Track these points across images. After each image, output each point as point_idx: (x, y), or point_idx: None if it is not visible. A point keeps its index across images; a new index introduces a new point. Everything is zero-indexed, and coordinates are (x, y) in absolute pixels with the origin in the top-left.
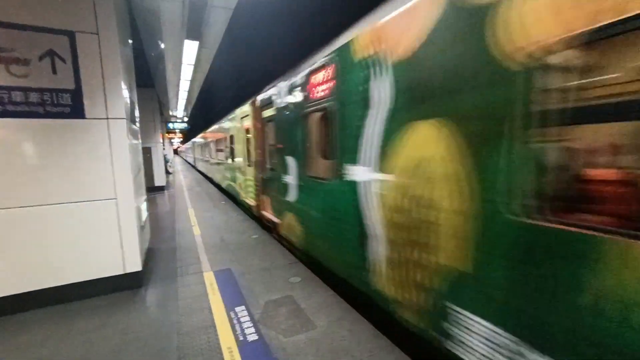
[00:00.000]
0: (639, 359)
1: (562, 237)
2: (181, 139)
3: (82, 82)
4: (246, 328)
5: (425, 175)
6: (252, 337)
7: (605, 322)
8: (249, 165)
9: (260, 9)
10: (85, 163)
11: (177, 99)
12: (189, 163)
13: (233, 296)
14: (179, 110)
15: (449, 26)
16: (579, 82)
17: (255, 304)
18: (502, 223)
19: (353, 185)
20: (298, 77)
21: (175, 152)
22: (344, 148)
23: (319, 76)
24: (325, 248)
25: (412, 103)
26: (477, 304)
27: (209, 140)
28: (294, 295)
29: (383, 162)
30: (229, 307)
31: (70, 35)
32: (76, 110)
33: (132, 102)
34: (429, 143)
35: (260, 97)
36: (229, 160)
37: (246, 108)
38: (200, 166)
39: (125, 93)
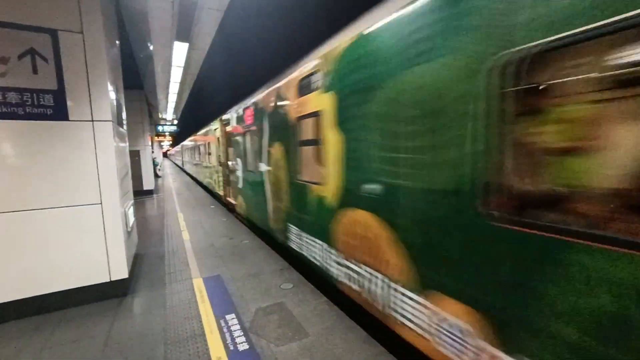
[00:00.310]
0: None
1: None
2: (170, 142)
3: (66, 82)
4: (237, 337)
5: (278, 165)
6: (243, 347)
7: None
8: (219, 165)
9: (252, 11)
10: (68, 167)
11: (167, 101)
12: (178, 166)
13: (223, 303)
14: (169, 112)
15: (277, 105)
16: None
17: (245, 312)
18: (292, 184)
19: (262, 173)
20: (240, 108)
21: (165, 155)
22: (259, 154)
23: (248, 111)
24: (255, 213)
25: (274, 133)
26: (293, 220)
27: (193, 145)
28: (286, 302)
29: (268, 161)
30: (219, 315)
31: (53, 34)
32: (59, 112)
33: (119, 104)
34: (278, 151)
35: (224, 117)
36: (207, 162)
37: (217, 123)
38: (187, 168)
39: (112, 95)
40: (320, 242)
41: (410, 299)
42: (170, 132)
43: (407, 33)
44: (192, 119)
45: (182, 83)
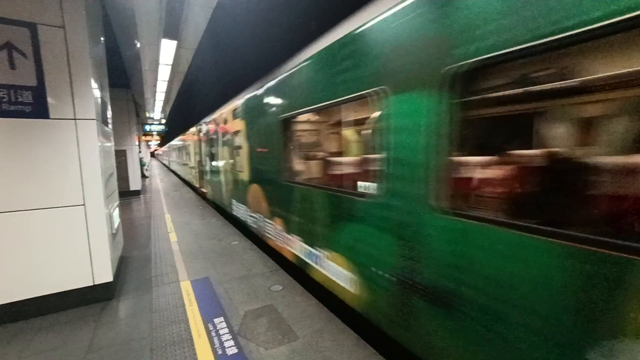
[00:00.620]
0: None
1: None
2: (158, 142)
3: (46, 79)
4: (225, 341)
5: (226, 162)
6: (232, 351)
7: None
8: (195, 163)
9: (243, 8)
10: (49, 167)
11: (155, 100)
12: (166, 166)
13: (211, 307)
14: (156, 112)
15: (223, 123)
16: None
17: (234, 315)
18: (232, 173)
19: (218, 168)
20: (207, 121)
21: (152, 155)
22: (216, 155)
23: (210, 124)
24: (216, 195)
25: (222, 141)
26: (234, 196)
27: (177, 146)
28: (275, 305)
29: (221, 159)
30: (207, 318)
31: (32, 28)
32: (39, 110)
33: (103, 102)
34: (225, 153)
35: (195, 127)
36: (189, 161)
37: (194, 129)
38: (172, 166)
39: (96, 92)
40: (243, 205)
41: (268, 223)
42: (158, 131)
43: (257, 100)
44: (180, 118)
45: (170, 81)
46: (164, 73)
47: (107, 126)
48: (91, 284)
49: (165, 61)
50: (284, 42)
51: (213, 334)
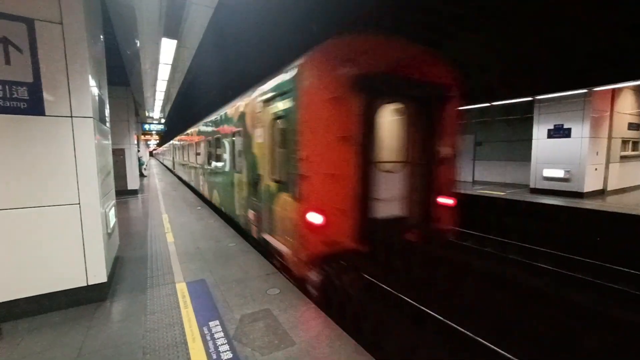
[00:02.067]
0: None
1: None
2: (157, 141)
3: (42, 75)
4: (220, 345)
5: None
6: (226, 356)
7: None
8: (186, 162)
9: (244, 6)
10: (44, 165)
11: (154, 99)
12: (165, 165)
13: (207, 310)
14: (156, 111)
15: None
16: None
17: (230, 318)
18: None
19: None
20: (194, 128)
21: (151, 154)
22: (208, 155)
23: (191, 132)
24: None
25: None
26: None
27: (171, 148)
28: (272, 309)
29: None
30: (202, 321)
31: (29, 23)
32: (34, 106)
33: (101, 100)
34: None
35: (188, 130)
36: (181, 160)
37: (184, 135)
38: (166, 162)
39: (94, 90)
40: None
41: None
42: (157, 130)
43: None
44: (180, 118)
45: (170, 81)
46: (163, 72)
47: (104, 124)
48: (84, 285)
49: (165, 60)
50: (285, 42)
51: (208, 337)
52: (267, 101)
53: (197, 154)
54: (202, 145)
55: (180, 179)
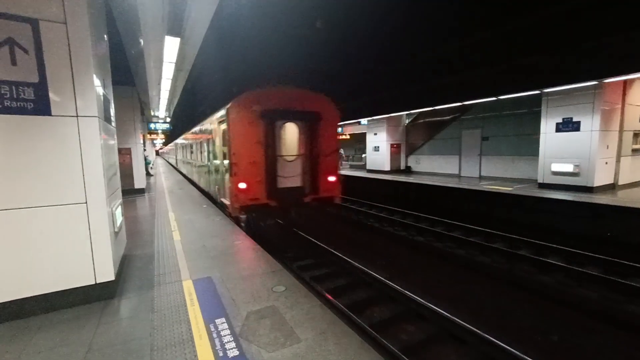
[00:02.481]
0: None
1: None
2: (163, 140)
3: (48, 75)
4: (226, 342)
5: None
6: (233, 353)
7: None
8: (184, 159)
9: (248, 2)
10: (50, 164)
11: (159, 98)
12: (171, 164)
13: (213, 307)
14: (161, 110)
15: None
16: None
17: (236, 316)
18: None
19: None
20: (187, 134)
21: (157, 153)
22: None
23: (185, 137)
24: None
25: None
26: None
27: (174, 147)
28: (278, 306)
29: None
30: (209, 319)
31: (34, 24)
32: (40, 106)
33: (106, 100)
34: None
35: (183, 135)
36: (181, 157)
37: (181, 139)
38: (171, 161)
39: (99, 90)
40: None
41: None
42: (162, 129)
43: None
44: (185, 116)
45: (175, 79)
46: (168, 71)
47: (110, 124)
48: (93, 283)
49: (168, 59)
50: (288, 40)
51: (214, 335)
52: (220, 122)
53: (191, 152)
54: (193, 146)
55: (180, 173)
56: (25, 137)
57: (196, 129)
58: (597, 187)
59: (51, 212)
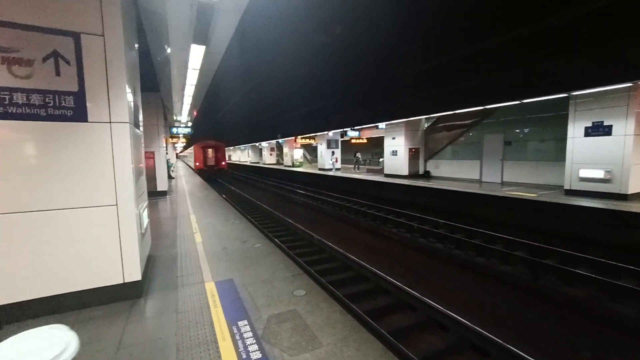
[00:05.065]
0: None
1: None
2: (184, 144)
3: (86, 84)
4: (249, 345)
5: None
6: (256, 355)
7: None
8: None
9: (271, 11)
10: (86, 168)
11: (182, 103)
12: (188, 165)
13: (235, 309)
14: (183, 114)
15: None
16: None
17: (258, 319)
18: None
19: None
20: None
21: (177, 157)
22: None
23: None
24: None
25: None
26: None
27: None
28: (299, 310)
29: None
30: (231, 321)
31: (76, 37)
32: (79, 114)
33: (136, 106)
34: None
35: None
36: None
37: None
38: (189, 163)
39: (130, 97)
40: None
41: None
42: (184, 134)
43: None
44: (206, 122)
45: (198, 85)
46: (191, 77)
47: (138, 129)
48: (121, 282)
49: (193, 66)
50: (309, 47)
51: (237, 337)
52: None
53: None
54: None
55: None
56: (65, 143)
57: (195, 145)
58: (631, 194)
59: (86, 214)
